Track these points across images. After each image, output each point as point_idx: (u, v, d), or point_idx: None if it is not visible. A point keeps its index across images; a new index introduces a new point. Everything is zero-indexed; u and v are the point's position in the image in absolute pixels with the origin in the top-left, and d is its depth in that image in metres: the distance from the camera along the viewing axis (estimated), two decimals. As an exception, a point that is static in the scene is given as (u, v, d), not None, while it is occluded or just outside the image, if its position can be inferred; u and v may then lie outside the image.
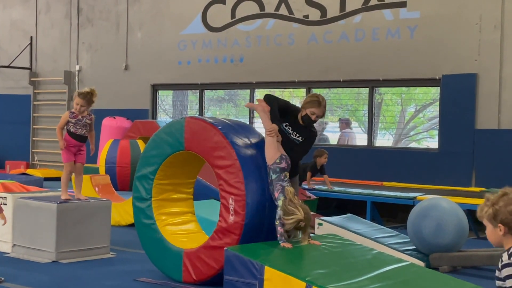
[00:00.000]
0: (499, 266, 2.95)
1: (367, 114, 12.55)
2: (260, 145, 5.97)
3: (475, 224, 9.29)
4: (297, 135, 6.00)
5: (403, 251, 6.96)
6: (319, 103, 5.99)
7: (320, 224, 7.75)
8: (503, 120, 10.68)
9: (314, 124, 6.12)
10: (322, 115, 6.05)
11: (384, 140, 13.00)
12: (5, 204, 7.16)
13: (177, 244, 6.18)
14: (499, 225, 2.91)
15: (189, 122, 6.13)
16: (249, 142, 5.96)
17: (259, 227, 5.77)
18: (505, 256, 2.89)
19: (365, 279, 5.02)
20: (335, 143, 13.01)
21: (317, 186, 10.97)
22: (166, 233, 6.29)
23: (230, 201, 5.74)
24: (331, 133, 13.46)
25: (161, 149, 6.30)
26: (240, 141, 5.91)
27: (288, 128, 6.01)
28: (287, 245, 5.43)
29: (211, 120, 6.09)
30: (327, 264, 5.23)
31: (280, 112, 6.00)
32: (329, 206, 11.19)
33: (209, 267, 5.81)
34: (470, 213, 8.73)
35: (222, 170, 5.84)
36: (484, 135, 10.69)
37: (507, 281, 2.85)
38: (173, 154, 6.23)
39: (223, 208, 5.79)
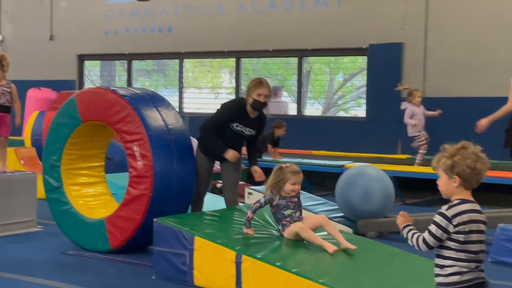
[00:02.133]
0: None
1: (296, 84, 12.63)
2: (152, 96, 6.21)
3: (401, 191, 9.51)
4: (250, 130, 6.04)
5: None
6: (261, 83, 6.00)
7: (250, 193, 7.79)
8: (428, 88, 10.92)
9: None
10: (269, 93, 6.03)
11: (313, 109, 13.13)
12: None
13: (98, 216, 6.22)
14: (455, 176, 2.96)
15: (79, 95, 6.31)
16: (139, 92, 6.19)
17: (169, 167, 5.88)
18: (444, 207, 2.97)
19: (294, 245, 5.09)
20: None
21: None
22: (84, 211, 6.34)
23: (135, 148, 5.83)
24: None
25: (59, 134, 6.42)
26: (129, 93, 6.13)
27: (240, 127, 6.02)
28: (250, 231, 5.18)
29: (100, 86, 6.22)
30: (256, 233, 5.26)
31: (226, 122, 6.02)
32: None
33: (132, 220, 5.85)
34: (397, 179, 8.95)
35: (120, 123, 5.96)
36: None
37: (431, 224, 2.95)
38: (72, 132, 6.34)
39: (131, 159, 5.87)
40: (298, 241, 5.17)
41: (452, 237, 2.93)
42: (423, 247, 3.00)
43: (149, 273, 5.36)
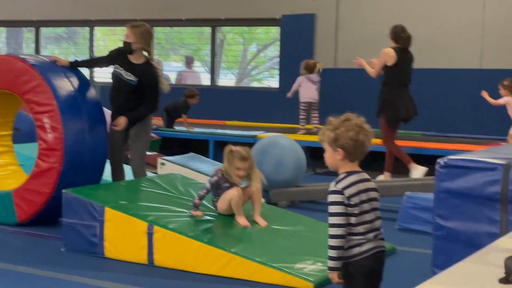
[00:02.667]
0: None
1: (209, 54, 12.56)
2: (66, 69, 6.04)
3: (313, 160, 9.64)
4: (129, 74, 5.91)
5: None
6: (130, 25, 6.08)
7: (162, 164, 7.73)
8: (339, 59, 11.07)
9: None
10: (132, 35, 5.98)
11: (226, 79, 13.11)
12: None
13: (5, 188, 6.05)
14: (338, 149, 2.90)
15: (-16, 64, 6.07)
16: (49, 61, 6.03)
17: (80, 140, 5.78)
18: (331, 185, 2.93)
19: (207, 216, 5.10)
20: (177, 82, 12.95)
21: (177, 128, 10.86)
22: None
23: (45, 120, 5.69)
24: (173, 73, 13.37)
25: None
26: (40, 62, 5.95)
27: (119, 69, 5.94)
28: (198, 213, 5.09)
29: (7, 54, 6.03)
30: (170, 203, 5.23)
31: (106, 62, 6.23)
32: (172, 146, 11.17)
33: (41, 194, 5.71)
34: (308, 149, 9.07)
35: (30, 93, 5.80)
36: (322, 74, 11.02)
37: (329, 207, 2.88)
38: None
39: (40, 131, 5.72)
40: (213, 214, 5.18)
41: (349, 211, 2.86)
42: (338, 231, 2.84)
43: (58, 245, 5.25)
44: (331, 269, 2.86)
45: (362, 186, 2.91)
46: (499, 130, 9.74)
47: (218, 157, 10.15)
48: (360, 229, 2.87)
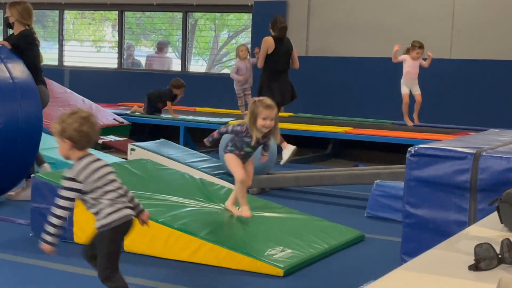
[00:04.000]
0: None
1: (181, 40, 12.49)
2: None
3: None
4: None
5: (214, 175, 7.09)
6: (9, 4, 6.54)
7: (132, 149, 7.68)
8: (311, 48, 11.08)
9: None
10: (10, 11, 6.47)
11: (197, 65, 13.05)
12: None
13: None
14: (66, 140, 3.28)
15: None
16: None
17: (14, 124, 5.77)
18: (66, 171, 3.31)
19: (177, 202, 5.09)
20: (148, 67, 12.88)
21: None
22: None
23: None
24: (144, 58, 13.28)
25: None
26: None
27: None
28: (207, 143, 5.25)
29: None
30: (139, 189, 5.20)
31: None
32: (143, 131, 11.12)
33: None
34: (284, 138, 9.06)
35: None
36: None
37: (60, 190, 3.30)
38: None
39: None
40: (186, 199, 5.17)
41: (87, 191, 3.30)
42: (60, 212, 3.31)
43: (26, 230, 5.20)
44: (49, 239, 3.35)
45: (94, 165, 3.31)
46: (469, 119, 9.86)
47: (188, 144, 10.14)
48: (105, 200, 3.33)
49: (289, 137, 9.82)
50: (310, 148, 10.47)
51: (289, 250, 4.57)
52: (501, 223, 1.72)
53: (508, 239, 1.40)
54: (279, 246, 4.61)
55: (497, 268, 1.35)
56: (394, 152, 9.97)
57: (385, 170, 6.79)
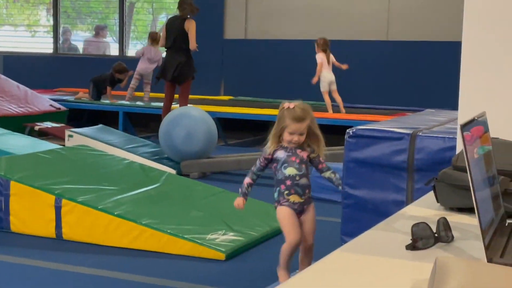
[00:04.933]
0: None
1: (118, 23, 12.30)
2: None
3: (224, 132, 9.65)
4: None
5: (155, 160, 7.04)
6: None
7: (70, 136, 7.55)
8: (249, 31, 11.06)
9: None
10: None
11: (136, 49, 12.87)
12: None
13: None
14: None
15: None
16: None
17: None
18: None
19: (117, 189, 5.02)
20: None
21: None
22: None
23: None
24: (81, 42, 13.04)
25: None
26: None
27: None
28: (240, 201, 3.78)
29: None
30: (78, 176, 5.13)
31: None
32: (81, 117, 10.93)
33: None
34: (219, 120, 9.05)
35: None
36: (232, 44, 11.01)
37: None
38: None
39: None
40: (125, 185, 5.11)
41: None
42: None
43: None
44: None
45: None
46: (406, 100, 10.01)
47: (128, 129, 10.02)
48: None
49: (230, 121, 9.82)
50: (251, 131, 10.49)
51: (231, 234, 4.57)
52: (437, 202, 1.74)
53: (444, 218, 1.43)
54: (220, 230, 4.61)
55: (434, 247, 1.37)
56: (332, 133, 10.06)
57: (325, 152, 6.82)
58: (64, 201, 4.65)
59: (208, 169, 7.21)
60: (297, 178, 3.53)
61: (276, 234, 4.90)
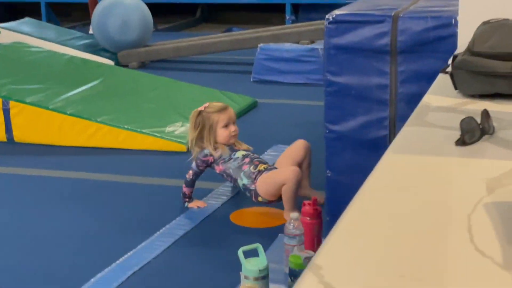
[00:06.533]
0: None
1: None
2: None
3: (153, 17, 9.36)
4: None
5: (91, 52, 6.80)
6: None
7: (-2, 31, 7.17)
8: None
9: None
10: None
11: None
12: None
13: None
14: None
15: None
16: None
17: None
18: None
19: (63, 86, 4.85)
20: None
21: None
22: None
23: None
24: None
25: None
26: None
27: None
28: (199, 203, 3.41)
29: None
30: (21, 76, 4.90)
31: None
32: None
33: None
34: (152, 6, 8.75)
35: None
36: None
37: None
38: None
39: None
40: (71, 81, 4.93)
41: None
42: None
43: None
44: None
45: None
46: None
47: (51, 20, 9.60)
48: None
49: (155, 5, 9.51)
50: (178, 14, 10.25)
51: (188, 124, 4.50)
52: (456, 89, 1.72)
53: (485, 109, 1.41)
54: (177, 122, 4.54)
55: (481, 140, 1.36)
56: (262, 11, 9.98)
57: (266, 33, 6.75)
58: (11, 103, 4.46)
59: (147, 58, 7.03)
60: (251, 154, 3.36)
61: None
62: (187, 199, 3.40)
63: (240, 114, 5.01)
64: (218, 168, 3.37)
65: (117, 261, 2.84)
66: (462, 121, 1.35)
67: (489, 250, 0.90)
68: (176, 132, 4.39)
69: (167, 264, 2.84)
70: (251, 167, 3.26)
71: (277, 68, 6.18)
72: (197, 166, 3.37)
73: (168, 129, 4.42)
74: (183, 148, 4.25)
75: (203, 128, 3.37)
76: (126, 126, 4.35)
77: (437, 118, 1.55)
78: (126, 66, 6.65)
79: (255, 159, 3.31)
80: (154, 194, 3.65)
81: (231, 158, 3.33)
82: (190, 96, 5.13)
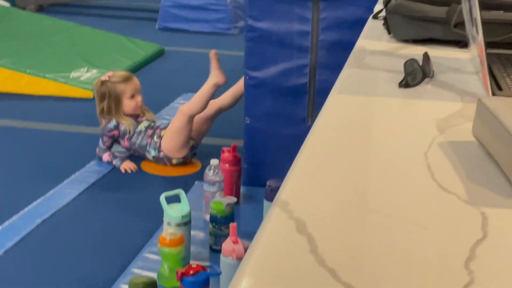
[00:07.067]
0: None
1: None
2: None
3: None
4: None
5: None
6: None
7: None
8: None
9: None
10: None
11: None
12: None
13: None
14: None
15: None
16: None
17: None
18: None
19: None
20: None
21: None
22: None
23: None
24: None
25: None
26: None
27: None
28: (129, 164, 3.18)
29: None
30: None
31: None
32: None
33: None
34: None
35: None
36: None
37: None
38: None
39: None
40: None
41: None
42: None
43: None
44: None
45: None
46: None
47: None
48: None
49: None
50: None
51: (95, 71, 4.36)
52: (389, 34, 1.72)
53: (426, 52, 1.41)
54: (83, 68, 4.38)
55: (423, 83, 1.36)
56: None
57: None
58: None
59: (45, 1, 6.72)
60: (152, 123, 3.27)
61: (138, 68, 4.75)
62: (115, 161, 3.20)
63: (147, 62, 4.90)
64: (124, 144, 3.27)
65: (25, 209, 2.73)
66: (405, 63, 1.34)
67: (452, 187, 0.89)
68: (81, 78, 4.24)
69: (79, 211, 2.75)
70: (155, 137, 3.19)
71: (183, 16, 6.06)
72: (103, 143, 3.25)
73: (73, 74, 4.26)
74: (89, 95, 4.10)
75: (109, 98, 3.22)
76: (28, 71, 4.16)
77: (375, 61, 1.54)
78: (24, 9, 6.33)
79: (157, 128, 3.24)
80: (61, 142, 3.52)
81: (135, 133, 3.24)
82: (95, 41, 4.96)
